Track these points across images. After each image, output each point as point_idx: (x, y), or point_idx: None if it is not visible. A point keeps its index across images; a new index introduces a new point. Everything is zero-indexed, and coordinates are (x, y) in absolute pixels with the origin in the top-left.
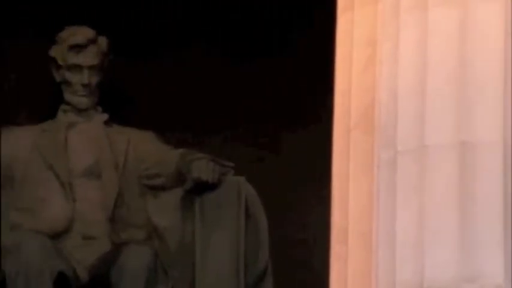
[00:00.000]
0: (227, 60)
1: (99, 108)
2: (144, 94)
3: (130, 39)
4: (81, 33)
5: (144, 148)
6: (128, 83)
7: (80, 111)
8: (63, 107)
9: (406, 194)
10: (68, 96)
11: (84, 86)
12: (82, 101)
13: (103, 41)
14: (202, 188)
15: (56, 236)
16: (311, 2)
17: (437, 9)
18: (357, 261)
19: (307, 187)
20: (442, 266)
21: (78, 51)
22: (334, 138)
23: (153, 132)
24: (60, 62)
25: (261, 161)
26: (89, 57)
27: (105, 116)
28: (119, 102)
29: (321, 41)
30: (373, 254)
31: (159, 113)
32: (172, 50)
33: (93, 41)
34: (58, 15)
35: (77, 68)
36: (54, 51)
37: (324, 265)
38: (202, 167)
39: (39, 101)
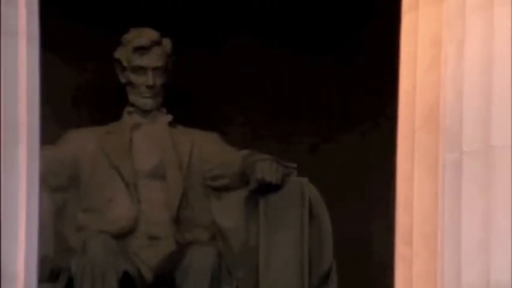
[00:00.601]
0: (291, 58)
1: (164, 110)
2: (206, 94)
3: (191, 39)
4: (145, 35)
5: (208, 149)
6: (190, 83)
7: (144, 112)
8: (128, 108)
9: (472, 195)
10: (132, 97)
11: (148, 87)
12: (147, 102)
13: (167, 42)
14: (265, 189)
15: (122, 236)
16: (376, 1)
17: (503, 9)
18: (422, 262)
19: (372, 188)
20: (508, 267)
21: (143, 53)
22: (399, 138)
23: (216, 133)
24: (125, 64)
25: (325, 161)
26: (153, 59)
27: (170, 117)
28: (183, 103)
29: (386, 40)
30: (438, 256)
31: (221, 112)
32: (234, 47)
33: (157, 43)
34: (123, 16)
35: (141, 69)
36: (119, 53)
37: (388, 266)
38: (266, 168)
39: (105, 103)
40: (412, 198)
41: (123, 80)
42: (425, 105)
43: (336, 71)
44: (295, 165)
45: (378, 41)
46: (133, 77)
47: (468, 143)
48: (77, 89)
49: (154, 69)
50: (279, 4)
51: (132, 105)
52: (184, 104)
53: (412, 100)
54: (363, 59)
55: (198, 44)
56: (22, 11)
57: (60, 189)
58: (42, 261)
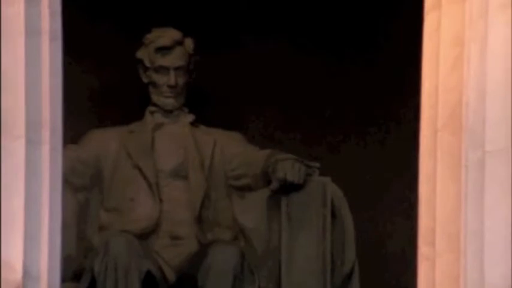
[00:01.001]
0: (312, 59)
1: (186, 109)
2: (226, 94)
3: (213, 38)
4: (168, 35)
5: (231, 149)
6: (211, 83)
7: (166, 112)
8: (150, 108)
9: (495, 195)
10: (155, 97)
11: (170, 87)
12: (169, 102)
13: (189, 42)
14: (287, 188)
15: (144, 236)
16: (398, 0)
17: None
18: (445, 263)
19: (395, 188)
20: None
21: (165, 53)
22: (422, 138)
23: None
24: (147, 64)
25: (348, 161)
26: (175, 59)
27: (192, 117)
28: (205, 103)
29: (408, 39)
30: (461, 256)
31: (241, 112)
32: (257, 46)
33: (179, 43)
34: (146, 16)
35: (163, 69)
36: (141, 53)
37: (411, 267)
38: (288, 168)
39: (127, 103)
40: (435, 198)
41: (145, 80)
42: (448, 105)
43: (357, 71)
44: (317, 164)
45: (400, 41)
46: (155, 77)
47: (491, 143)
48: (100, 89)
49: (177, 69)
50: (299, 5)
51: (155, 105)
52: (206, 103)
53: (434, 100)
54: (385, 58)
55: (219, 45)
56: (45, 10)
57: (83, 189)
58: (65, 261)
